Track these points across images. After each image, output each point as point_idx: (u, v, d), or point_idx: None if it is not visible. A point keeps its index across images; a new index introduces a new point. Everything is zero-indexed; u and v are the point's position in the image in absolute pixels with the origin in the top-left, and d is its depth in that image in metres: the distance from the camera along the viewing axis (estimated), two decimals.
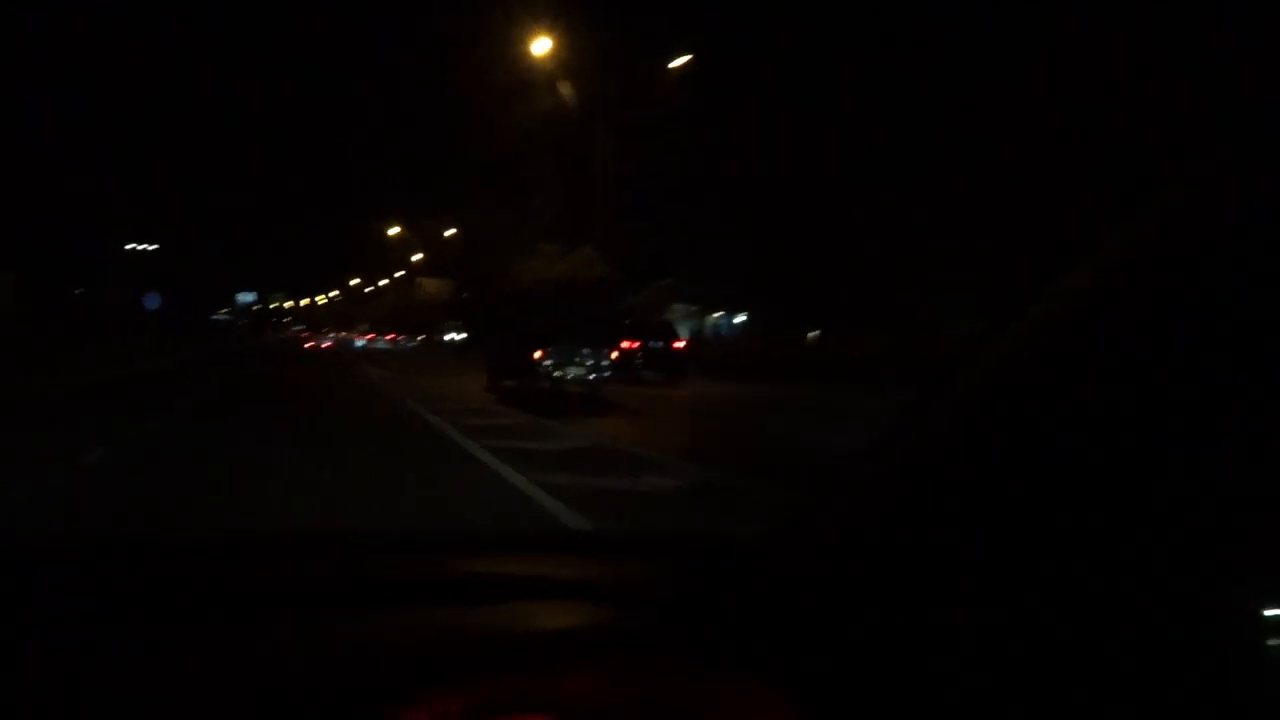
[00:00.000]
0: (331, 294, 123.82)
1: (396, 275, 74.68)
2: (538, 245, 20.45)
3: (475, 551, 1.39)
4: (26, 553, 1.31)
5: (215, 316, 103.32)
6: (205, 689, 0.93)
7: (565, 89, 27.91)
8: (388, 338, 68.62)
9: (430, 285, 56.23)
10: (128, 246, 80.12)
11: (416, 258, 60.98)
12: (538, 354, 16.57)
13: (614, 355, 17.93)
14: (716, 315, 43.66)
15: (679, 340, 24.46)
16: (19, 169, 36.57)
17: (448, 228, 48.15)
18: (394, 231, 53.39)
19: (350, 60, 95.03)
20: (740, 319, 42.47)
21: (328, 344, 69.60)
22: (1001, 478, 0.82)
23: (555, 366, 16.55)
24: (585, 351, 16.67)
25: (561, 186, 31.82)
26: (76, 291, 50.00)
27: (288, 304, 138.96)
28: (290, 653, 1.00)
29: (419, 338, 62.63)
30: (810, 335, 33.04)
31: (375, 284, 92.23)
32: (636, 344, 22.79)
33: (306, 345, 66.95)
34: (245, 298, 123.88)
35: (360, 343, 69.08)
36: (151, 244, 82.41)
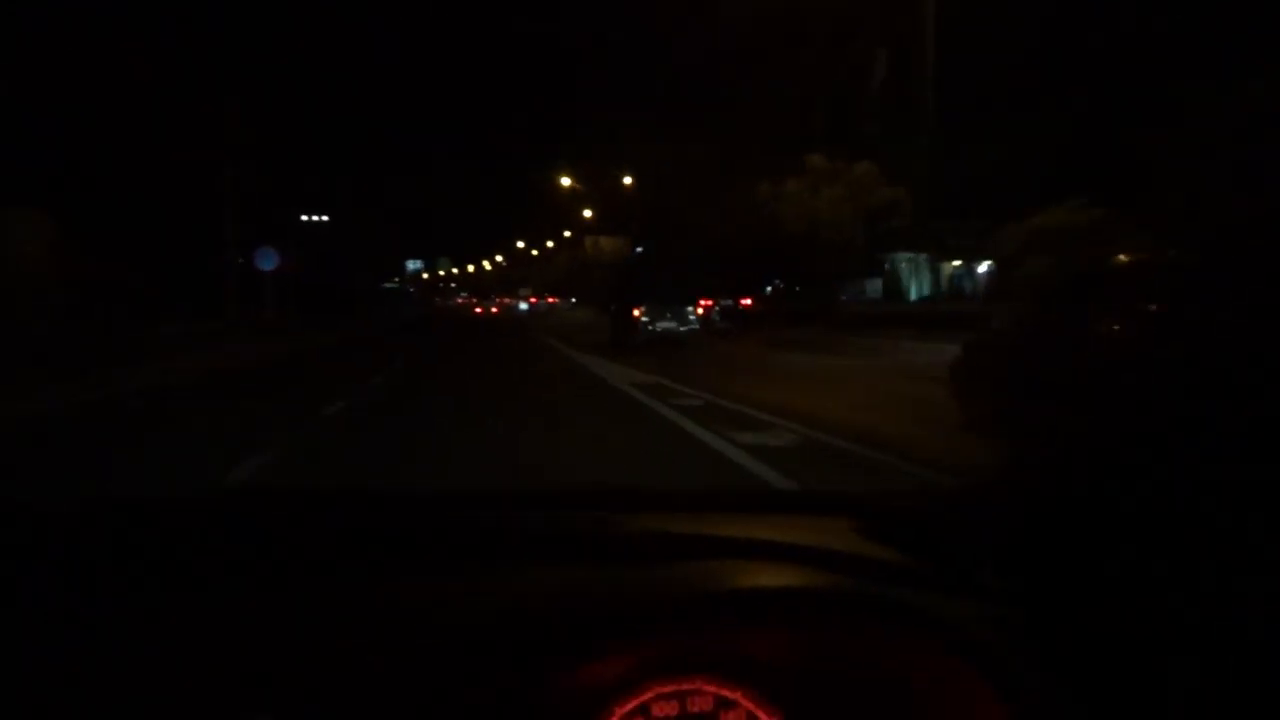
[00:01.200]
0: (497, 258, 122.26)
1: (566, 235, 70.89)
2: (803, 157, 15.08)
3: (669, 508, 1.41)
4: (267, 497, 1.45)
5: (386, 285, 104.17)
6: (405, 634, 0.97)
7: None
8: (549, 300, 75.44)
9: (607, 244, 51.43)
10: (302, 218, 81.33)
11: (588, 215, 57.35)
12: (636, 312, 22.36)
13: (699, 311, 23.80)
14: (955, 264, 36.43)
15: (746, 300, 30.32)
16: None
17: (628, 175, 42.93)
18: (565, 183, 48.60)
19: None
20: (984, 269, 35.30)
21: (495, 309, 76.10)
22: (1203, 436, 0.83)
23: (650, 322, 22.57)
24: (675, 309, 22.56)
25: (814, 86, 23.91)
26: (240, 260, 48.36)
27: (454, 270, 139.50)
28: (485, 604, 1.02)
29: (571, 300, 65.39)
30: None
31: (543, 246, 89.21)
32: (711, 303, 28.27)
33: (476, 311, 72.70)
34: (413, 265, 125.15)
35: (523, 306, 76.01)
36: (323, 215, 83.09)
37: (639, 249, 48.55)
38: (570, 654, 0.94)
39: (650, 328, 22.67)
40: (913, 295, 38.27)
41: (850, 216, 13.99)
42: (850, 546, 1.16)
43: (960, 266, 37.01)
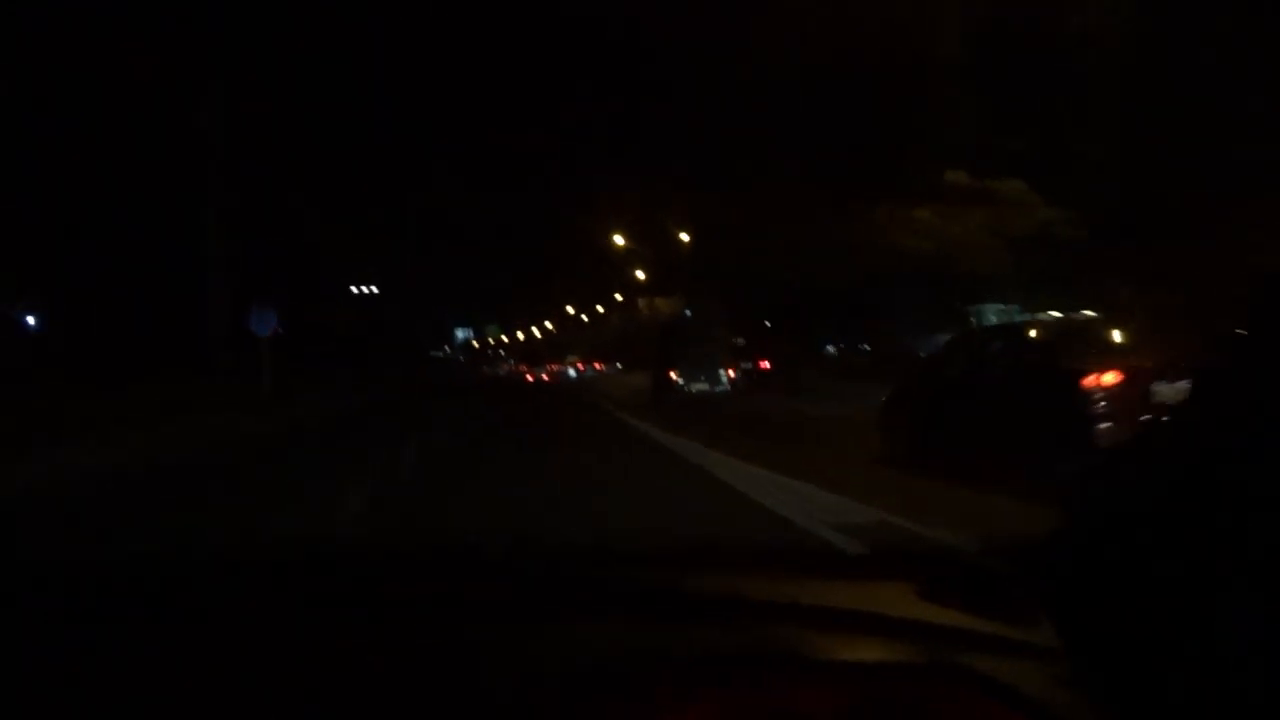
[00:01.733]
0: (546, 324, 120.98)
1: (618, 299, 68.84)
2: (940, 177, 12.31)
3: (738, 568, 1.45)
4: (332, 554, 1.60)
5: (434, 353, 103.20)
6: (485, 685, 0.99)
7: None
8: (595, 366, 75.75)
9: (663, 304, 49.07)
10: (351, 289, 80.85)
11: (641, 275, 55.58)
12: (672, 374, 25.64)
13: (731, 373, 26.97)
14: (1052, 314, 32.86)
15: (764, 362, 30.33)
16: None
17: (683, 230, 40.45)
18: (619, 242, 46.32)
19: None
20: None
21: (546, 376, 74.94)
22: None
23: (685, 384, 25.72)
24: (709, 371, 26.18)
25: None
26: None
27: (504, 338, 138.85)
28: (562, 658, 1.05)
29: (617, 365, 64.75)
30: None
31: (593, 311, 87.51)
32: (737, 365, 29.93)
33: (528, 378, 71.85)
34: (462, 334, 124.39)
35: (572, 372, 76.71)
36: (371, 286, 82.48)
37: (688, 312, 46.72)
38: (645, 711, 0.98)
39: (686, 389, 25.06)
40: None
41: (995, 244, 11.31)
42: (913, 611, 1.18)
43: (1060, 317, 33.60)
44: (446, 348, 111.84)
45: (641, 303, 54.07)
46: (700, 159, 24.35)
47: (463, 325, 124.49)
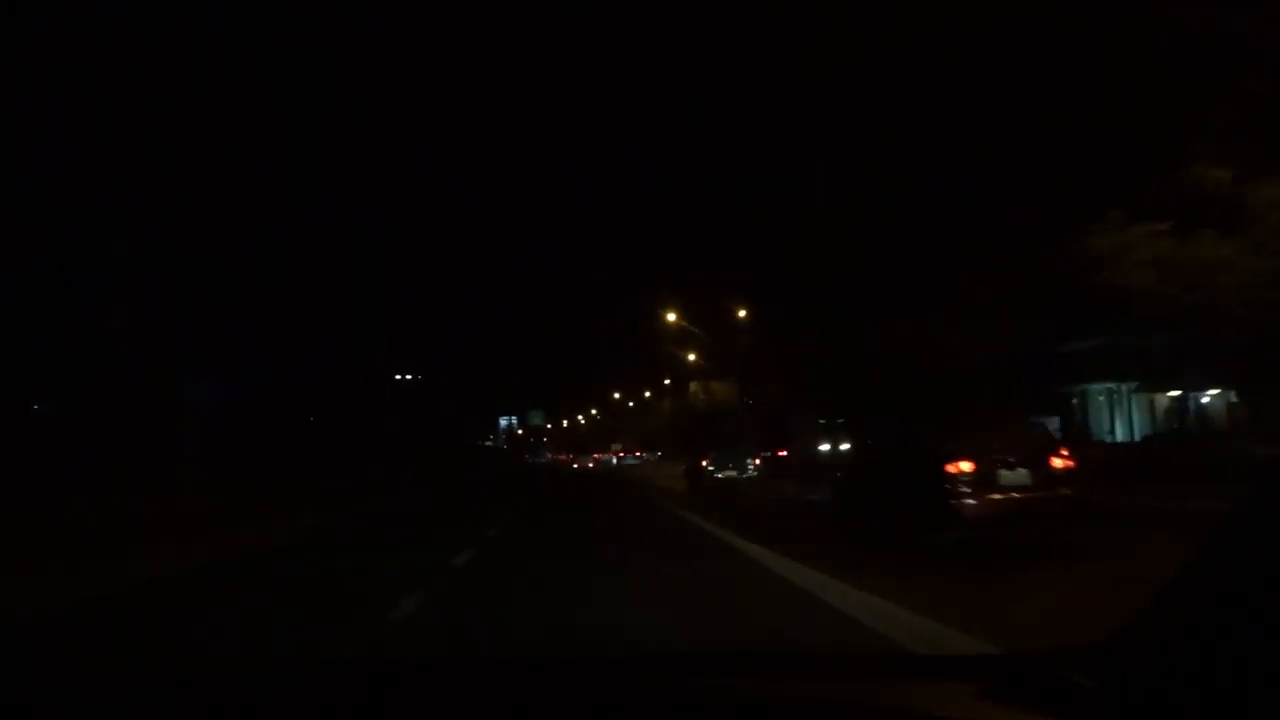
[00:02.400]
0: (592, 412, 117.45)
1: (666, 383, 65.71)
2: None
3: (805, 672, 1.53)
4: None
5: (482, 442, 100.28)
6: None
7: None
8: (636, 454, 77.45)
9: (719, 389, 46.24)
10: (396, 377, 78.71)
11: (692, 358, 52.80)
12: (704, 461, 28.17)
13: (757, 461, 29.96)
14: (1172, 394, 28.61)
15: (783, 451, 32.03)
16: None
17: (741, 307, 37.34)
18: (670, 318, 43.19)
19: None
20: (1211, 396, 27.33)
21: (592, 464, 74.71)
22: None
23: (715, 470, 28.14)
24: (737, 459, 29.31)
25: None
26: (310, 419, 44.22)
27: (548, 425, 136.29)
28: None
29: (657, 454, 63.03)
30: None
31: (640, 397, 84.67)
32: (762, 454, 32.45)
33: (574, 466, 71.66)
34: (505, 421, 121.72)
35: (614, 461, 77.39)
36: (415, 375, 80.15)
37: (749, 400, 43.75)
38: None
39: (716, 475, 27.13)
40: (1118, 435, 30.40)
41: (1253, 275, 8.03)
42: (977, 714, 1.24)
43: (1178, 397, 29.30)
44: (491, 437, 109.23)
45: (694, 386, 50.88)
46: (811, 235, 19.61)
47: (505, 413, 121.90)
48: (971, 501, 8.37)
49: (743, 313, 38.76)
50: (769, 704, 1.25)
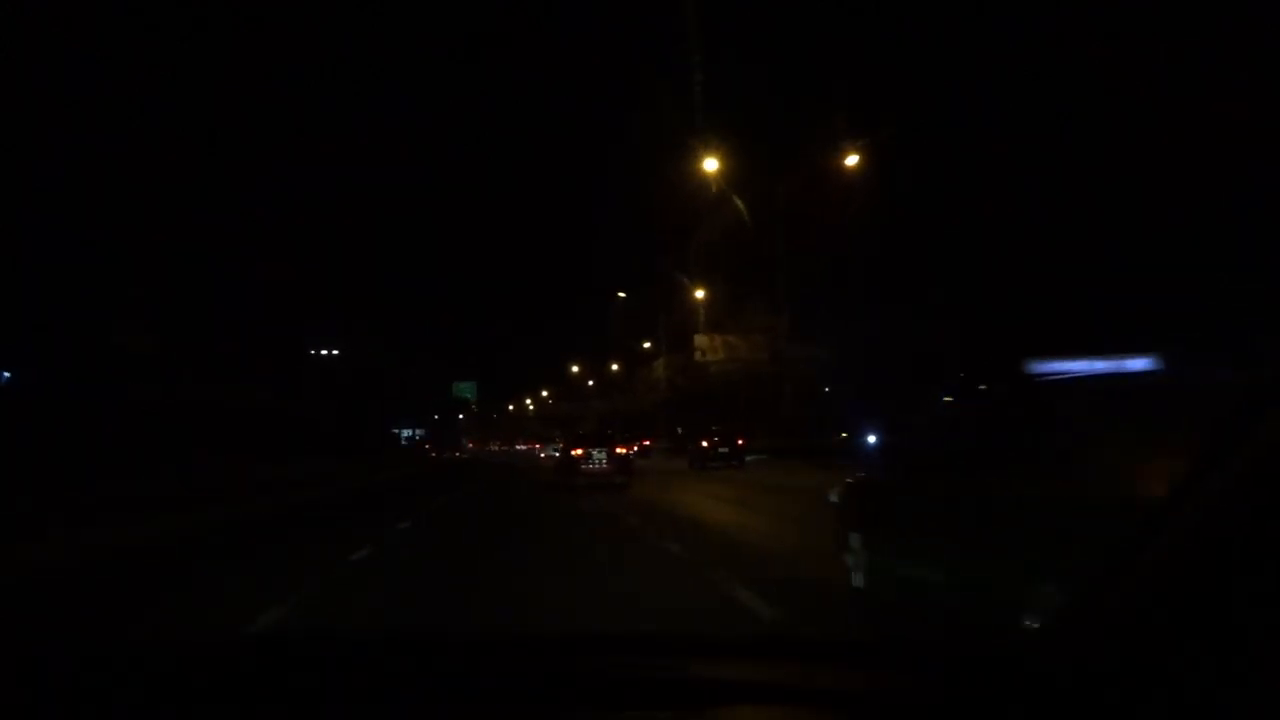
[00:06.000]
0: (543, 394, 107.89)
1: (647, 346, 59.74)
2: None
3: (693, 653, 1.46)
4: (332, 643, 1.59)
5: (403, 431, 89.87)
6: None
7: None
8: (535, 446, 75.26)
9: (740, 344, 41.30)
10: (314, 351, 69.98)
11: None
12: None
13: (621, 450, 27.39)
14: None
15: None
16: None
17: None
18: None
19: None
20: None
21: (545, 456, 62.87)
22: None
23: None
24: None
25: None
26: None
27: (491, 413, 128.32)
28: None
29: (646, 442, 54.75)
30: None
31: (603, 371, 77.54)
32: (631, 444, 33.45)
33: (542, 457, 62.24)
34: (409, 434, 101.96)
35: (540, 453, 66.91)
36: (335, 349, 71.93)
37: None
38: None
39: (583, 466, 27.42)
40: None
41: None
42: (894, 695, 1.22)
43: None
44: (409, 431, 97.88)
45: (701, 340, 42.61)
46: None
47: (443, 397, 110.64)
48: None
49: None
50: (684, 683, 1.26)
